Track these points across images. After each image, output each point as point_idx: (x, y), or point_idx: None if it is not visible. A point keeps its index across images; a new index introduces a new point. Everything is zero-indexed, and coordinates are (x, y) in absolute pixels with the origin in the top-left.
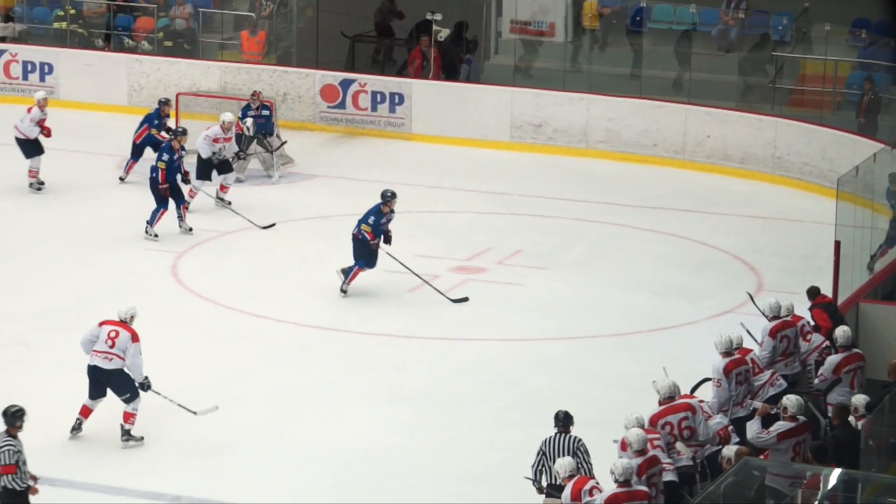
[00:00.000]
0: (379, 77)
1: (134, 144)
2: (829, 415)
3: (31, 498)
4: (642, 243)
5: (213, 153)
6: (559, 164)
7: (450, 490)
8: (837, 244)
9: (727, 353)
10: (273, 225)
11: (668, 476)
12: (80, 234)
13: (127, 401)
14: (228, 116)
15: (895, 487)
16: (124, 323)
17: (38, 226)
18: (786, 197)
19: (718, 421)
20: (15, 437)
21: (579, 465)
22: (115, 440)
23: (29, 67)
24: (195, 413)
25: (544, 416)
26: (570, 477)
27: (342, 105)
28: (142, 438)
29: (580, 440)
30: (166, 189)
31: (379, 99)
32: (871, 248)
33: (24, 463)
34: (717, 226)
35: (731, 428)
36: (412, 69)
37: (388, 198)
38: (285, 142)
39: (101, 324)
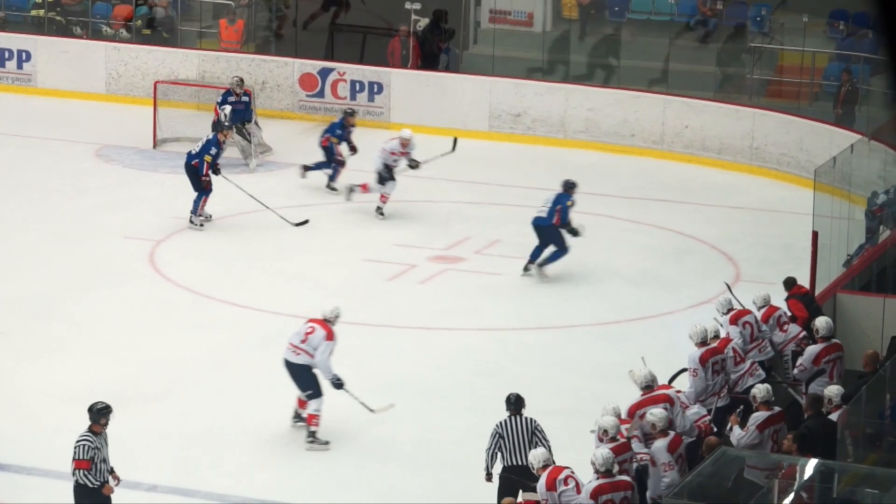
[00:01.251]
0: (358, 66)
1: (322, 148)
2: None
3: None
4: (621, 233)
5: (386, 165)
6: (538, 154)
7: (429, 478)
8: (815, 235)
9: (703, 343)
10: (306, 221)
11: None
12: (58, 221)
13: (309, 398)
14: (407, 133)
15: (872, 477)
16: (325, 322)
17: (16, 214)
18: (763, 187)
19: (696, 411)
20: (98, 433)
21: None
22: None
23: (6, 55)
24: (373, 411)
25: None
26: (545, 466)
27: (321, 94)
28: (327, 443)
29: (535, 421)
30: (208, 181)
31: (358, 88)
32: (848, 240)
33: (104, 461)
34: (696, 216)
35: (707, 417)
36: (391, 58)
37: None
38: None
39: (308, 321)
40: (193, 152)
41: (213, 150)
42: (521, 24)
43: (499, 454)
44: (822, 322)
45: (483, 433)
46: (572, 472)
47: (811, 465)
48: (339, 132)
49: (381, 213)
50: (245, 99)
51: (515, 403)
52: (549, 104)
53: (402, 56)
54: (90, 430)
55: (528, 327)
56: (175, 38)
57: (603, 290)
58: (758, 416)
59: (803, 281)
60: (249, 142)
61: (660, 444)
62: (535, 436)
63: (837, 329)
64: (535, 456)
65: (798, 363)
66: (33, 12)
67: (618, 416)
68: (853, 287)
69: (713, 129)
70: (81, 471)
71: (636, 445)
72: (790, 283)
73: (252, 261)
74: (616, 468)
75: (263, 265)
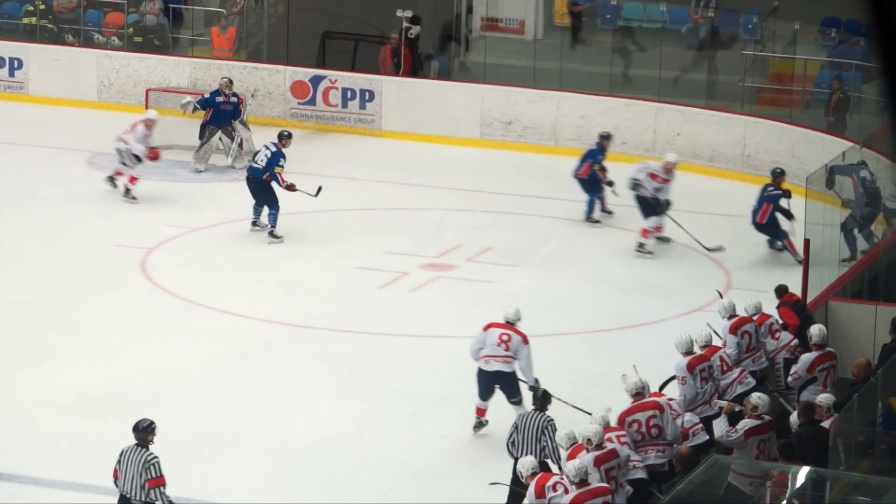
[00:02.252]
0: (349, 74)
1: (580, 181)
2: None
3: None
4: (612, 241)
5: (655, 189)
6: (529, 162)
7: (421, 486)
8: (807, 242)
9: (688, 353)
10: (319, 189)
11: (638, 473)
12: (49, 229)
13: (517, 403)
14: (672, 157)
15: (864, 485)
16: (512, 325)
17: (7, 221)
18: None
19: (689, 419)
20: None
21: (544, 447)
22: (88, 437)
23: None
24: (591, 414)
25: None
26: (534, 475)
27: (312, 101)
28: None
29: (551, 420)
30: (291, 186)
31: (349, 95)
32: (840, 247)
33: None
34: (687, 223)
35: (700, 426)
36: (383, 66)
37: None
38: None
39: (486, 327)
40: (257, 166)
41: (282, 162)
42: (513, 32)
43: (514, 443)
44: (816, 330)
45: (474, 441)
46: (561, 479)
47: (803, 472)
48: (599, 157)
49: (645, 249)
50: (234, 99)
51: (541, 399)
52: (541, 112)
53: (393, 64)
54: (140, 447)
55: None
56: (167, 45)
57: (593, 297)
58: (747, 423)
59: (795, 289)
60: (232, 139)
61: (588, 457)
62: (543, 434)
63: (829, 337)
64: (524, 464)
65: (792, 371)
66: (25, 20)
67: (607, 424)
68: (845, 295)
69: (705, 137)
70: (159, 489)
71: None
72: (782, 291)
73: (244, 268)
74: (599, 475)
75: (255, 273)
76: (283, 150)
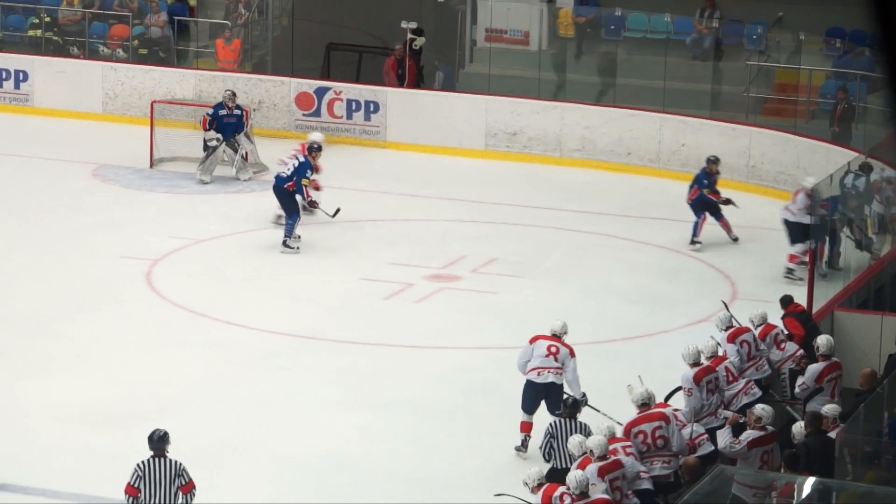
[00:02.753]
0: (354, 85)
1: (690, 204)
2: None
3: None
4: (617, 251)
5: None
6: (534, 173)
7: (427, 497)
8: (811, 252)
9: (695, 364)
10: (337, 211)
11: (644, 485)
12: (55, 241)
13: (560, 416)
14: (810, 182)
15: (870, 496)
16: (559, 338)
17: (13, 234)
18: (760, 205)
19: (694, 430)
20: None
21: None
22: (93, 448)
23: (3, 75)
24: (621, 424)
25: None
26: (540, 485)
27: (317, 113)
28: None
29: (587, 426)
30: (314, 202)
31: (354, 107)
32: (845, 257)
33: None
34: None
35: (705, 437)
36: (387, 77)
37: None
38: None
39: (532, 340)
40: (284, 175)
41: (309, 174)
42: (518, 43)
43: (553, 453)
44: (823, 340)
45: (479, 452)
46: (567, 490)
47: (809, 483)
48: (706, 182)
49: (794, 275)
50: (237, 112)
51: (571, 407)
52: (545, 123)
53: (397, 75)
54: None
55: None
56: (171, 57)
57: (599, 308)
58: (750, 434)
59: (800, 299)
60: (235, 151)
61: (591, 468)
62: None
63: (835, 347)
64: (530, 476)
65: (800, 382)
66: (30, 32)
67: (612, 435)
68: (850, 305)
69: (709, 147)
70: (192, 492)
71: (633, 462)
72: (787, 301)
73: (249, 280)
74: (604, 486)
75: (260, 284)
76: (312, 162)
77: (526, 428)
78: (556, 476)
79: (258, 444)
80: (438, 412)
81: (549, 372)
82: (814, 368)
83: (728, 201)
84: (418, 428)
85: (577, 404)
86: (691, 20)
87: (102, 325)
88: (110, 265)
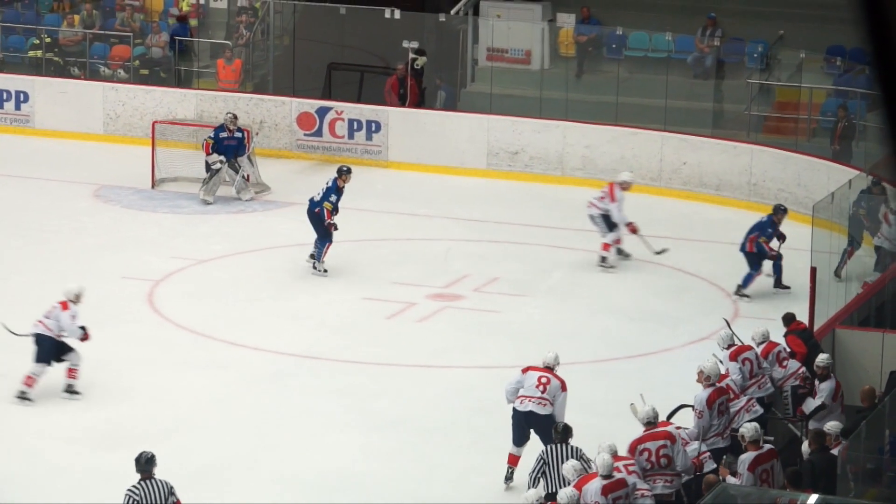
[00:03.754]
0: (355, 105)
1: (746, 254)
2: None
3: None
4: (619, 270)
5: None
6: (536, 192)
7: None
8: (813, 270)
9: (711, 384)
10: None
11: (647, 502)
12: (56, 262)
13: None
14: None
15: None
16: (551, 370)
17: (14, 255)
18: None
19: (694, 448)
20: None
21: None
22: (97, 469)
23: (4, 96)
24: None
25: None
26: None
27: (319, 133)
28: None
29: (580, 450)
30: (331, 226)
31: (356, 126)
32: (846, 277)
33: None
34: (694, 252)
35: (707, 455)
36: (389, 97)
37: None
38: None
39: (525, 370)
40: (315, 199)
41: (333, 197)
42: (519, 62)
43: (542, 480)
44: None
45: (482, 471)
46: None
47: (812, 500)
48: (769, 231)
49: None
50: (238, 135)
51: (563, 433)
52: (547, 141)
53: (399, 94)
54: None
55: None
56: (173, 78)
57: (601, 326)
58: (746, 458)
59: (802, 317)
60: (237, 171)
61: (595, 485)
62: (578, 462)
63: (836, 364)
64: (528, 497)
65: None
66: (31, 53)
67: (614, 453)
68: (852, 322)
69: (711, 166)
70: None
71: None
72: (789, 319)
73: (252, 300)
74: (603, 500)
75: (263, 304)
76: (340, 186)
77: (512, 461)
78: (552, 498)
79: (261, 463)
80: (441, 431)
81: (530, 401)
82: (827, 387)
83: (776, 257)
84: (421, 447)
85: (569, 430)
86: (692, 39)
87: (105, 346)
88: (112, 286)
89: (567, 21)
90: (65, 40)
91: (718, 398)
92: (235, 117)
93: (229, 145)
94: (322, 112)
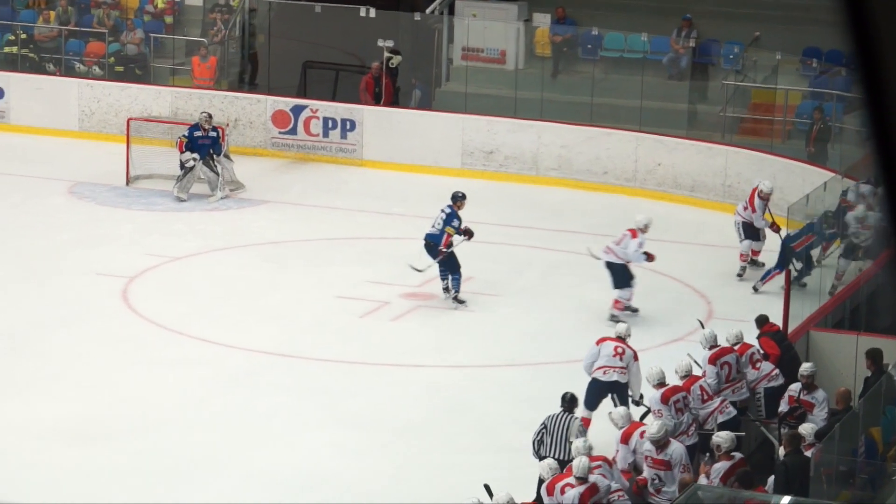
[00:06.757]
0: (330, 103)
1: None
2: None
3: None
4: (593, 270)
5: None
6: (510, 191)
7: None
8: (788, 272)
9: (661, 384)
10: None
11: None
12: (30, 258)
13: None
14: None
15: None
16: (623, 340)
17: None
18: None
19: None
20: None
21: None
22: (68, 465)
23: None
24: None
25: (495, 441)
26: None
27: (293, 131)
28: None
29: (579, 421)
30: (443, 254)
31: (330, 125)
32: (820, 277)
33: None
34: (668, 253)
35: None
36: (364, 96)
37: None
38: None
39: (599, 341)
40: (433, 231)
41: (456, 223)
42: (494, 62)
43: (542, 441)
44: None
45: (455, 469)
46: (571, 481)
47: (784, 501)
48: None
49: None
50: (213, 134)
51: (569, 402)
52: (522, 141)
53: (374, 93)
54: None
55: (498, 364)
56: (148, 75)
57: (573, 326)
58: (719, 468)
59: (776, 319)
60: (216, 174)
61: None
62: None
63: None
64: (542, 467)
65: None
66: (6, 49)
67: (588, 452)
68: (826, 325)
69: (686, 167)
70: None
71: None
72: (762, 321)
73: (225, 297)
74: None
75: (236, 302)
76: (458, 212)
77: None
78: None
79: (233, 461)
80: (413, 430)
81: (614, 371)
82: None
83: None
84: (393, 445)
85: (575, 400)
86: (668, 39)
87: (77, 342)
88: (86, 283)
89: (543, 21)
90: (40, 36)
91: (673, 395)
92: (210, 116)
93: (203, 144)
94: (297, 110)
